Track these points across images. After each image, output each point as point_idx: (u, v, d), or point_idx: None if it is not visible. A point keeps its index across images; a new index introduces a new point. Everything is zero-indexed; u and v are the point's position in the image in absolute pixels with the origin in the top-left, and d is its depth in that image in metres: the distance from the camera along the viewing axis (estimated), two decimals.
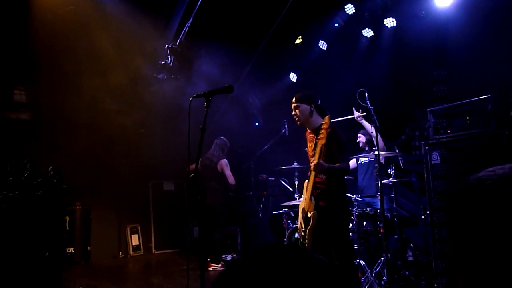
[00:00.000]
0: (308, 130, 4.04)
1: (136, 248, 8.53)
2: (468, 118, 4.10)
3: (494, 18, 5.36)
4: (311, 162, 3.73)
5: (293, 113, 3.97)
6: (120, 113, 7.98)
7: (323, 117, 3.87)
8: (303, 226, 3.81)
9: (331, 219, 3.71)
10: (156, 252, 8.63)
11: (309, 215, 3.73)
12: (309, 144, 4.00)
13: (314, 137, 3.91)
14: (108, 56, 6.90)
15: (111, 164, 7.59)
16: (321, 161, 3.65)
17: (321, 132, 3.67)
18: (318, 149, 3.68)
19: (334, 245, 3.69)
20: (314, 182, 3.76)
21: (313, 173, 3.74)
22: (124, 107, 7.92)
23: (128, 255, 8.36)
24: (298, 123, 4.00)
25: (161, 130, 7.87)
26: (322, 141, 3.65)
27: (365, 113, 5.28)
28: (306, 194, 3.83)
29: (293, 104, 3.95)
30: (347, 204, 3.92)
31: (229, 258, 7.45)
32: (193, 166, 3.03)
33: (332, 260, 3.67)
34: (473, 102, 4.05)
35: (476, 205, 0.68)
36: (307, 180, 3.85)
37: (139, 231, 8.66)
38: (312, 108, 3.91)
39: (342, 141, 3.82)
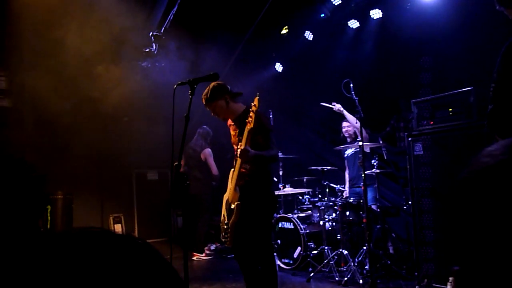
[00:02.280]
0: (230, 120, 3.69)
1: None
2: (450, 110, 4.15)
3: (478, 11, 5.41)
4: (238, 149, 3.36)
5: (212, 114, 3.65)
6: (103, 101, 7.86)
7: (241, 102, 3.61)
8: (226, 218, 3.48)
9: (255, 213, 3.38)
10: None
11: (232, 206, 3.39)
12: (233, 133, 3.64)
13: (237, 123, 3.59)
14: (91, 42, 6.78)
15: (95, 153, 7.51)
16: (247, 147, 3.27)
17: (250, 115, 3.20)
18: (245, 134, 3.28)
19: (255, 240, 3.40)
20: (239, 172, 3.40)
21: (238, 162, 3.37)
22: (108, 95, 7.81)
23: None
24: (221, 118, 3.71)
25: (145, 119, 7.79)
26: (250, 125, 3.21)
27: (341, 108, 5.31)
28: (230, 184, 3.49)
29: (207, 107, 3.61)
30: (273, 197, 3.62)
31: (213, 247, 7.46)
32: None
33: (252, 257, 3.46)
34: (456, 94, 4.10)
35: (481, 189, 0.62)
36: (232, 169, 3.51)
37: (122, 220, 8.61)
38: (227, 99, 3.55)
39: (269, 126, 3.51)
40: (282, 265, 5.61)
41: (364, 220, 4.55)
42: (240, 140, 3.40)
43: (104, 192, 8.29)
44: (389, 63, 7.03)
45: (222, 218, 3.55)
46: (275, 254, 4.93)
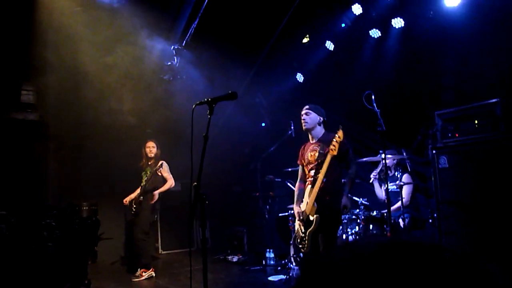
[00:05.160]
0: (310, 142, 4.28)
1: None
2: (476, 122, 4.04)
3: (503, 19, 5.27)
4: (320, 173, 3.91)
5: (302, 117, 4.20)
6: (126, 112, 7.98)
7: (326, 130, 4.23)
8: (302, 228, 4.03)
9: (327, 224, 3.95)
10: (163, 253, 8.65)
11: (311, 218, 3.93)
12: (310, 153, 4.19)
13: (317, 145, 4.16)
14: (115, 56, 6.91)
15: (118, 164, 7.59)
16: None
17: (333, 144, 3.86)
18: (328, 160, 3.87)
19: (325, 247, 3.92)
20: (317, 189, 3.95)
21: (319, 180, 3.90)
22: (131, 106, 7.94)
23: None
24: (304, 127, 4.22)
25: (167, 130, 7.86)
26: (334, 153, 3.86)
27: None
28: (309, 199, 4.00)
29: (305, 110, 4.21)
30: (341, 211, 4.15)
31: (235, 259, 7.43)
32: None
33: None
34: (482, 106, 3.99)
35: None
36: (310, 186, 4.04)
37: None
38: (321, 120, 4.20)
39: (350, 149, 4.12)
40: None
41: (388, 234, 4.46)
42: (318, 161, 4.03)
43: None
44: (412, 72, 6.89)
45: (297, 227, 4.13)
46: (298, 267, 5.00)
